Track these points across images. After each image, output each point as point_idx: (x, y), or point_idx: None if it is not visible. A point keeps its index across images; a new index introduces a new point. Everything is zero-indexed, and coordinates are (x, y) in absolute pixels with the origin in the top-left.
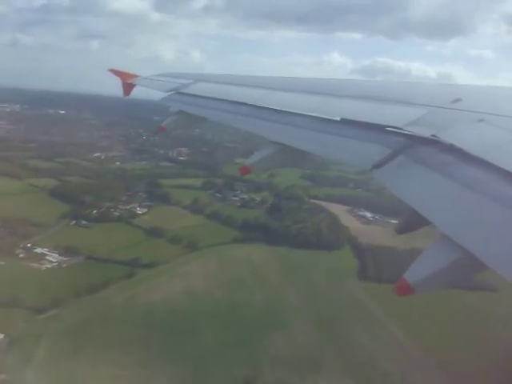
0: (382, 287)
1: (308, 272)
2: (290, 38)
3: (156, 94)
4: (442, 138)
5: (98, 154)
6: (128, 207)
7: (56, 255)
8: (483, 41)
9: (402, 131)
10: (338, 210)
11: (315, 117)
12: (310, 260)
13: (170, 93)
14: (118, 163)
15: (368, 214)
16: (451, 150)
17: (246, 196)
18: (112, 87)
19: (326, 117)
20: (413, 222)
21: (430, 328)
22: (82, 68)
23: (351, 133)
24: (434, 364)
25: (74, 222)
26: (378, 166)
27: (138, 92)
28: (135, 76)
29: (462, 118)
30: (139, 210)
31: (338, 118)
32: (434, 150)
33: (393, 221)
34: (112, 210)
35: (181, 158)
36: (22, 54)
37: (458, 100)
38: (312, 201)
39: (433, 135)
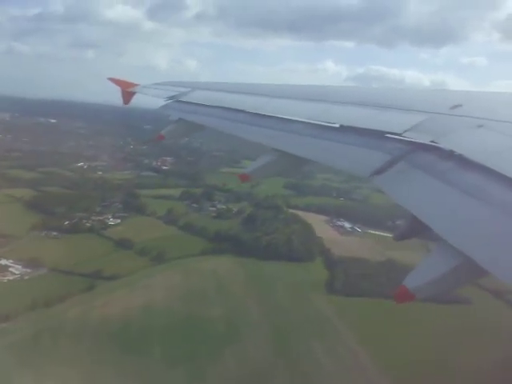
0: (349, 301)
1: (272, 285)
2: (283, 47)
3: (150, 103)
4: (442, 144)
5: (81, 164)
6: (101, 218)
7: (19, 267)
8: (475, 48)
9: (402, 137)
10: (317, 220)
11: (314, 124)
12: (277, 272)
13: (169, 101)
14: (100, 173)
15: (347, 225)
16: (451, 156)
17: (223, 206)
18: (107, 95)
19: (325, 124)
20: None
21: (393, 343)
22: (77, 76)
23: (350, 139)
24: (388, 382)
25: (44, 233)
26: (378, 172)
27: (132, 100)
28: (134, 85)
29: (461, 124)
30: (112, 221)
31: (337, 125)
32: (434, 156)
33: (372, 231)
34: (84, 220)
35: (164, 168)
36: (16, 62)
37: (457, 106)
38: (291, 211)
39: (432, 141)
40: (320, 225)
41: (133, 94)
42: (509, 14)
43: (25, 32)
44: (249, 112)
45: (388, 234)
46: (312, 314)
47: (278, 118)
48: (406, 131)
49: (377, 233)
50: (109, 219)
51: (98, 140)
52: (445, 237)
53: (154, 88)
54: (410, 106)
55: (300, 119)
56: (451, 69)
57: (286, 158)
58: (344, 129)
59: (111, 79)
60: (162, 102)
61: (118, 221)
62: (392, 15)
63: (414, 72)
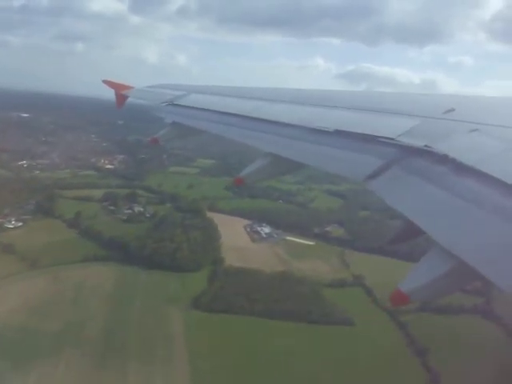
0: (208, 317)
1: (133, 297)
2: (269, 42)
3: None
4: (436, 148)
5: (22, 162)
6: (1, 220)
7: None
8: (462, 48)
9: (396, 142)
10: (237, 224)
11: (308, 128)
12: (150, 283)
13: (163, 104)
14: (38, 172)
15: (266, 230)
16: (445, 160)
17: (142, 209)
18: (93, 88)
19: (320, 128)
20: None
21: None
22: (63, 69)
23: (344, 144)
24: None
25: None
26: (372, 176)
27: (111, 93)
28: (129, 87)
29: (455, 128)
30: (12, 224)
31: (332, 129)
32: (428, 161)
33: (291, 238)
34: None
35: (108, 167)
36: (2, 54)
37: (450, 110)
38: (214, 214)
39: (426, 145)
40: (236, 230)
41: (126, 96)
42: (493, 14)
43: (10, 24)
44: (243, 116)
45: (307, 242)
46: (151, 329)
47: (272, 121)
48: (399, 135)
49: (295, 239)
50: (10, 222)
51: (59, 136)
52: (439, 240)
53: (148, 91)
54: (403, 110)
55: (294, 123)
56: (439, 68)
57: (281, 162)
58: (338, 133)
59: (105, 81)
60: (156, 106)
61: (20, 224)
62: (375, 13)
63: (404, 70)
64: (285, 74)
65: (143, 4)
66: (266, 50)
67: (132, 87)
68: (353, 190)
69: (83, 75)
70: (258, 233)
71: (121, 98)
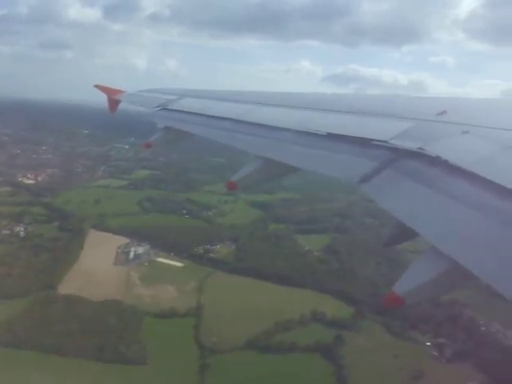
0: None
1: None
2: (250, 46)
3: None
4: (428, 150)
5: None
6: None
7: None
8: (441, 47)
9: (389, 145)
10: (114, 244)
11: (301, 131)
12: None
13: (156, 109)
14: None
15: (139, 251)
16: (438, 162)
17: (22, 229)
18: (78, 94)
19: (312, 131)
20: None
21: None
22: (49, 76)
23: (338, 147)
24: None
25: None
26: (365, 179)
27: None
28: (121, 92)
29: (447, 131)
30: None
31: (324, 133)
32: (421, 163)
33: (161, 259)
34: None
35: (28, 182)
36: None
37: (443, 113)
38: (98, 233)
39: (419, 148)
40: (105, 251)
41: (119, 101)
42: (467, 12)
43: None
44: (236, 120)
45: (176, 263)
46: None
47: (265, 125)
48: (392, 138)
49: (165, 261)
50: None
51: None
52: (433, 242)
53: (140, 95)
54: (396, 113)
55: (287, 127)
56: (423, 68)
57: (273, 166)
58: (331, 136)
59: (97, 86)
60: (148, 110)
61: None
62: (349, 14)
63: (390, 71)
64: (272, 78)
65: (119, 12)
66: (250, 53)
67: (124, 92)
68: (282, 199)
69: (69, 82)
70: (127, 254)
71: (113, 102)
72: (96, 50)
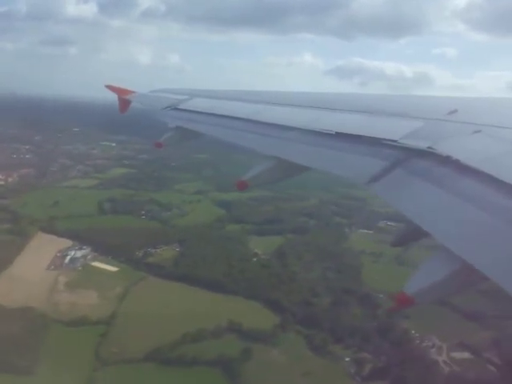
0: None
1: None
2: (248, 40)
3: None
4: (439, 150)
5: None
6: None
7: None
8: (442, 38)
9: (399, 144)
10: (55, 247)
11: (311, 131)
12: None
13: (167, 109)
14: None
15: (78, 255)
16: (448, 161)
17: None
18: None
19: (322, 130)
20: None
21: None
22: (55, 72)
23: (348, 146)
24: None
25: None
26: (375, 179)
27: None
28: (132, 92)
29: (458, 130)
30: None
31: (334, 132)
32: (431, 163)
33: (97, 263)
34: None
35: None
36: None
37: (453, 112)
38: (44, 235)
39: (429, 147)
40: (43, 255)
41: (130, 101)
42: (467, 2)
43: None
44: (246, 119)
45: (111, 268)
46: None
47: (275, 125)
48: (402, 138)
49: (100, 265)
50: None
51: None
52: (443, 242)
53: (151, 96)
54: (406, 112)
55: (297, 126)
56: (426, 59)
57: (284, 165)
58: (341, 136)
59: (108, 86)
60: (159, 110)
61: None
62: (343, 6)
63: (394, 64)
64: (276, 72)
65: (115, 7)
66: (249, 47)
67: (135, 92)
68: (251, 198)
69: (74, 78)
70: (63, 258)
71: (124, 102)
72: (98, 45)
